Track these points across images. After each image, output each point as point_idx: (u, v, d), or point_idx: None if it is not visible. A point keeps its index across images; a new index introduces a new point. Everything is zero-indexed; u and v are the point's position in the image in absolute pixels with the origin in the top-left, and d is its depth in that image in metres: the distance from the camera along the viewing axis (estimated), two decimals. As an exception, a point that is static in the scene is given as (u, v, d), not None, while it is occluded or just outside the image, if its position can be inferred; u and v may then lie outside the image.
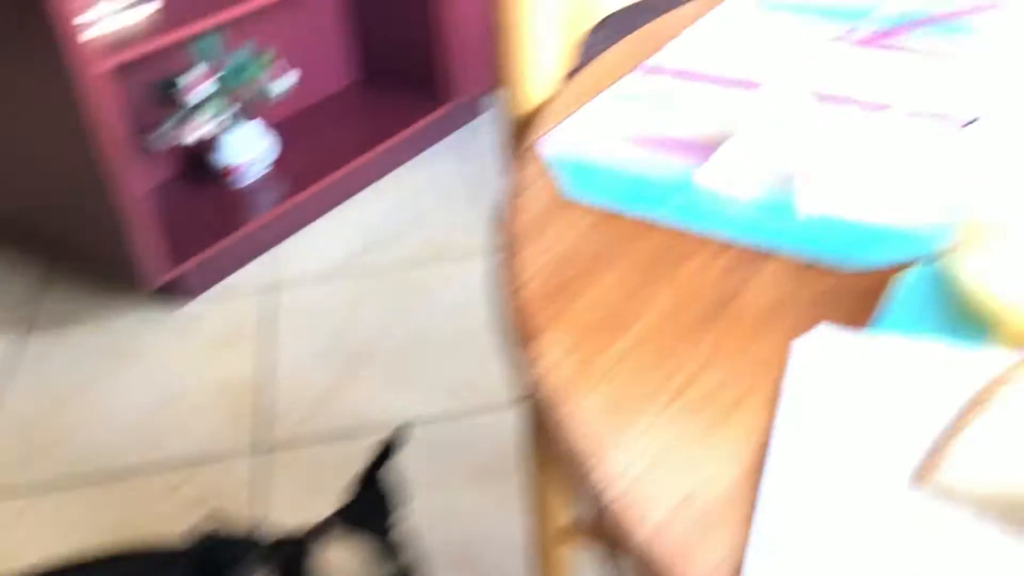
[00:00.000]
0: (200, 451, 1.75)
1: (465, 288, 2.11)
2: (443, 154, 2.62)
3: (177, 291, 2.13)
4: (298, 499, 1.62)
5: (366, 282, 2.17)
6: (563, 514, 1.16)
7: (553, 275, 0.61)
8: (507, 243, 0.64)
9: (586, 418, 0.51)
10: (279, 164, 2.33)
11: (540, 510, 1.14)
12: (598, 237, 0.65)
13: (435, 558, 1.48)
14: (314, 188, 2.27)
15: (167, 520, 1.61)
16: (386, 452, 0.77)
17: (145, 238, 1.97)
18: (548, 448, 1.08)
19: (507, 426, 1.73)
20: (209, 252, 2.09)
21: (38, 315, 2.17)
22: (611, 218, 0.68)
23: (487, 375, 1.86)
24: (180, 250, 2.07)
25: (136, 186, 1.92)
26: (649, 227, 0.66)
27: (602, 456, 0.48)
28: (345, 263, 2.23)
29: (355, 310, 2.08)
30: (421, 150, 2.61)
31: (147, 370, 1.96)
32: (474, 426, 1.74)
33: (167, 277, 2.04)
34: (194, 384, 1.91)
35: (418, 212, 2.38)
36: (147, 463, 1.73)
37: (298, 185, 2.26)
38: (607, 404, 0.51)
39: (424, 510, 1.54)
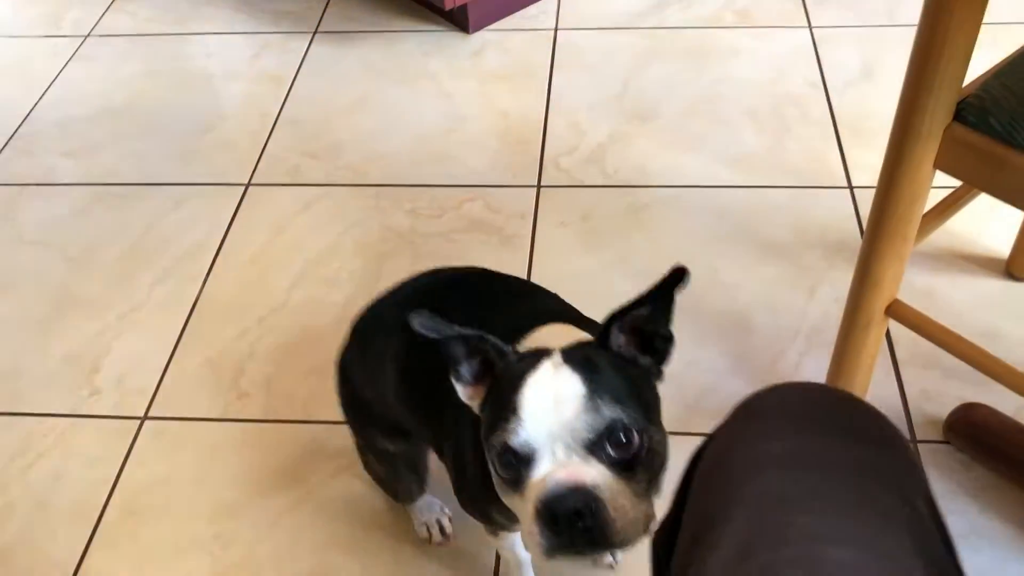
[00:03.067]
0: (479, 176, 1.75)
1: (769, 59, 1.95)
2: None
3: (464, 19, 2.09)
4: (564, 239, 1.60)
5: (659, 38, 2.04)
6: (889, 294, 1.07)
7: None
8: None
9: None
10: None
11: (867, 285, 1.06)
12: None
13: (708, 322, 1.44)
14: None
15: (449, 233, 1.64)
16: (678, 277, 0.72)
17: (446, -45, 1.91)
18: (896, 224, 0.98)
19: (791, 206, 1.63)
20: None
21: (324, 19, 2.20)
22: None
23: (776, 153, 1.74)
24: (474, -25, 2.00)
25: None
26: None
27: None
28: (640, 15, 2.11)
29: (644, 65, 1.97)
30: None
31: (428, 92, 1.96)
32: (755, 202, 1.65)
33: (460, 1, 2.00)
34: (473, 112, 1.90)
35: (720, -27, 2.19)
36: (426, 177, 1.76)
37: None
38: None
39: (701, 275, 1.49)
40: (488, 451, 0.74)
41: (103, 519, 1.29)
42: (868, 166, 1.69)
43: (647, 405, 0.74)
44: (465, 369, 0.79)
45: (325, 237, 1.66)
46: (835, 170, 1.69)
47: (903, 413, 1.30)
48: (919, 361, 1.36)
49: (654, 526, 0.71)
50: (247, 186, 1.79)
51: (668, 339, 0.77)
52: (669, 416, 0.78)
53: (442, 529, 1.22)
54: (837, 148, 1.74)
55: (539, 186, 1.72)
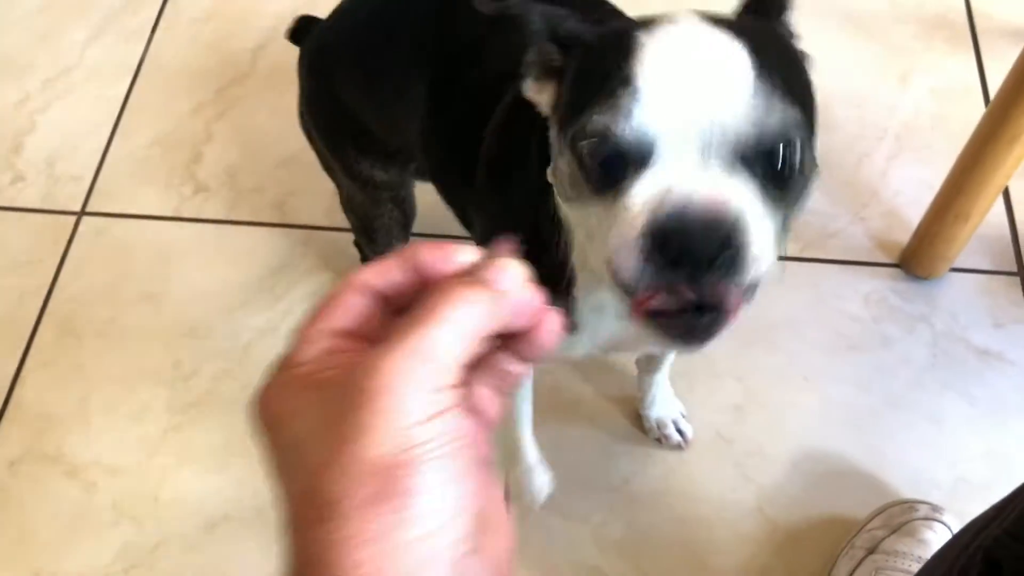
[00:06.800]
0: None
1: None
2: None
3: None
4: None
5: None
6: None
7: None
8: None
9: None
10: None
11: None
12: None
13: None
14: None
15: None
16: None
17: None
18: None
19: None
20: None
21: None
22: None
23: None
24: None
25: None
26: None
27: None
28: None
29: None
30: None
31: None
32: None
33: None
34: None
35: None
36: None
37: None
38: None
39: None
40: (565, 143, 0.49)
41: (35, 338, 1.07)
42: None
43: (812, 115, 0.51)
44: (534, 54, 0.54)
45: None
46: (936, -79, 1.36)
47: (1011, 242, 1.07)
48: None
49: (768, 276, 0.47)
50: (198, -85, 1.43)
51: None
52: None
53: None
54: None
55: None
